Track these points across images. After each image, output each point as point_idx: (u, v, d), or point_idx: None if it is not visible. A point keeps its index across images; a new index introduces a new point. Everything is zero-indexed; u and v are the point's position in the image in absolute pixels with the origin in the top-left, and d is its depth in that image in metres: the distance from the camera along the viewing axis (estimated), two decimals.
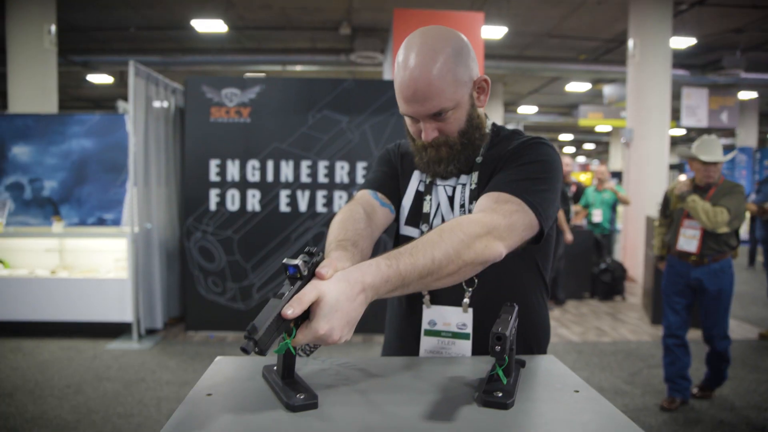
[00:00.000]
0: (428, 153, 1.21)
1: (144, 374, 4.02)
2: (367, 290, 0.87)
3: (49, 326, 4.99)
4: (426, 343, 1.24)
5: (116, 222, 5.34)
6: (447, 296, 1.23)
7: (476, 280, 1.21)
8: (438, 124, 1.16)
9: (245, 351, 0.77)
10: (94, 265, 5.29)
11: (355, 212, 1.20)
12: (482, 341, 1.21)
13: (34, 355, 4.44)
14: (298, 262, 0.86)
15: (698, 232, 3.42)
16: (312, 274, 0.88)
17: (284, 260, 0.87)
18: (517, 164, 1.16)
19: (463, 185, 1.24)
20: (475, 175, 1.22)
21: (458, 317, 1.22)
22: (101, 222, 5.37)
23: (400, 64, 1.12)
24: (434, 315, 1.24)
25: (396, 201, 1.34)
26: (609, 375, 4.18)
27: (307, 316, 0.84)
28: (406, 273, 0.91)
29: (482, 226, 1.00)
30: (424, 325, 1.25)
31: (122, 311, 4.86)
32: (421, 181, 1.31)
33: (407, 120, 1.22)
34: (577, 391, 0.96)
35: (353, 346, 4.86)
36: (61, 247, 5.40)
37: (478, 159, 1.24)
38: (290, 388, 0.88)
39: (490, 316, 1.15)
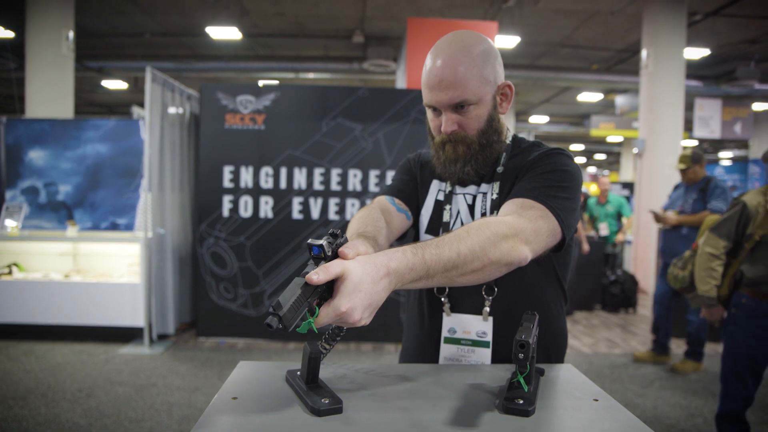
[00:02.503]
0: (446, 151, 1.22)
1: (155, 379, 4.04)
2: (391, 275, 0.87)
3: (62, 330, 5.02)
4: (445, 350, 1.25)
5: (129, 227, 5.39)
6: (467, 304, 1.24)
7: (496, 289, 1.22)
8: (459, 118, 1.18)
9: (270, 326, 0.78)
10: (107, 269, 5.33)
11: (373, 212, 1.22)
12: (502, 349, 1.22)
13: (47, 358, 4.47)
14: (322, 242, 0.87)
15: None
16: (335, 255, 0.89)
17: (309, 241, 0.88)
18: (539, 173, 1.17)
19: (484, 194, 1.25)
20: (496, 185, 1.23)
21: (478, 325, 1.23)
22: (114, 227, 5.42)
23: (430, 57, 1.16)
24: (454, 323, 1.25)
25: (414, 208, 1.35)
26: (620, 387, 4.15)
27: (330, 296, 0.85)
28: (431, 263, 0.91)
29: (510, 228, 1.01)
30: (444, 333, 1.26)
31: (134, 316, 4.89)
32: (440, 190, 1.33)
33: (429, 114, 1.24)
34: (597, 400, 0.97)
35: (363, 354, 4.86)
36: (75, 251, 5.45)
37: (499, 169, 1.25)
38: (315, 393, 0.89)
39: (510, 325, 1.16)
